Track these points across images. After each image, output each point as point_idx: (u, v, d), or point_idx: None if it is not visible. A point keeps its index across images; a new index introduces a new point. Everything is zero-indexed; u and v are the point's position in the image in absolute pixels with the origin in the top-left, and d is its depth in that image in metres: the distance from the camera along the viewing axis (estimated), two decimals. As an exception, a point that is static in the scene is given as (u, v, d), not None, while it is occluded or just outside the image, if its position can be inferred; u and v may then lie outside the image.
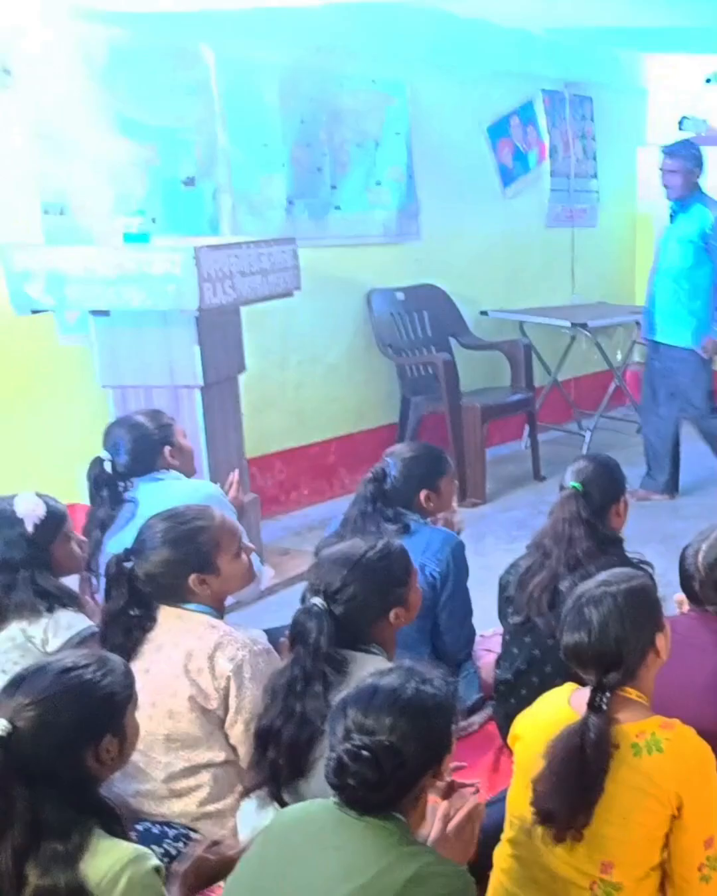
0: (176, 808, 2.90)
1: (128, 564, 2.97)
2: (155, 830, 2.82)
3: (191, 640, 2.90)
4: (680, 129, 8.38)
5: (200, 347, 4.74)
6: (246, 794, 2.65)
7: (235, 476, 4.29)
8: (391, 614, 2.77)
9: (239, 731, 2.86)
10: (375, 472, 3.70)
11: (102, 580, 3.20)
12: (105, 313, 4.68)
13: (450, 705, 2.21)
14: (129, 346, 4.74)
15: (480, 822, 2.35)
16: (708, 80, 8.32)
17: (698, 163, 6.17)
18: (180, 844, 2.80)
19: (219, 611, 3.07)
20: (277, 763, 2.57)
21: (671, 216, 6.27)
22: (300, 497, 6.27)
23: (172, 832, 2.84)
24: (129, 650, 2.88)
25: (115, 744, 2.17)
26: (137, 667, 2.76)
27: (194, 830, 2.88)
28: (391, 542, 2.91)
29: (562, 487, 3.49)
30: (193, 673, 2.86)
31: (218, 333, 4.87)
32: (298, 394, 6.16)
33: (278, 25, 5.51)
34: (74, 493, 4.78)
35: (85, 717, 2.11)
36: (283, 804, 2.53)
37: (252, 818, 2.65)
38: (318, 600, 2.66)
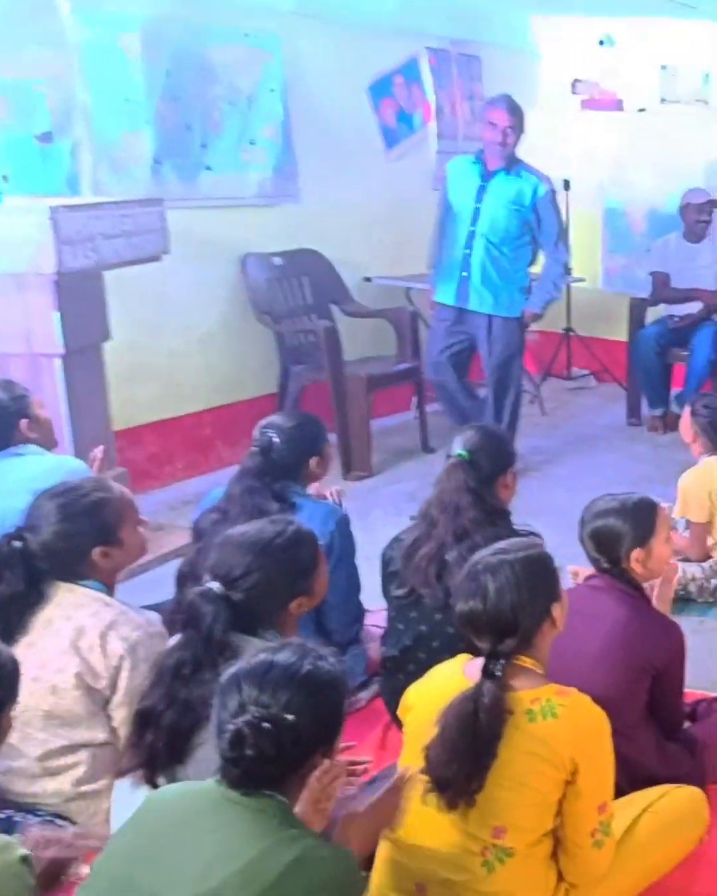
0: (50, 788, 2.85)
1: (18, 544, 2.89)
2: (16, 818, 2.74)
3: (83, 616, 2.86)
4: (572, 92, 8.23)
5: (60, 313, 4.54)
6: (120, 775, 2.58)
7: (98, 451, 4.11)
8: (293, 604, 2.75)
9: (124, 713, 2.82)
10: (260, 444, 3.63)
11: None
12: (-47, 277, 4.42)
13: (344, 683, 2.21)
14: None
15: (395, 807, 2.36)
16: (601, 43, 8.15)
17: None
18: (51, 828, 2.74)
19: (110, 588, 3.03)
20: (156, 747, 2.51)
21: (484, 176, 5.97)
22: (174, 471, 6.02)
23: (34, 820, 2.75)
24: (16, 630, 2.84)
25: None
26: (22, 641, 2.82)
27: (62, 816, 2.82)
28: (301, 528, 2.86)
29: (448, 456, 3.46)
30: (83, 650, 2.82)
31: (79, 299, 4.67)
32: (171, 363, 5.90)
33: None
34: None
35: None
36: (156, 788, 2.46)
37: (128, 800, 2.51)
38: (215, 585, 2.61)
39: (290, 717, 2.02)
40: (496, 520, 3.36)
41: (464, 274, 6.00)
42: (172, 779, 2.48)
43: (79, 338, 4.68)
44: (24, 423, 3.81)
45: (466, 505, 3.32)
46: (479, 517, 3.31)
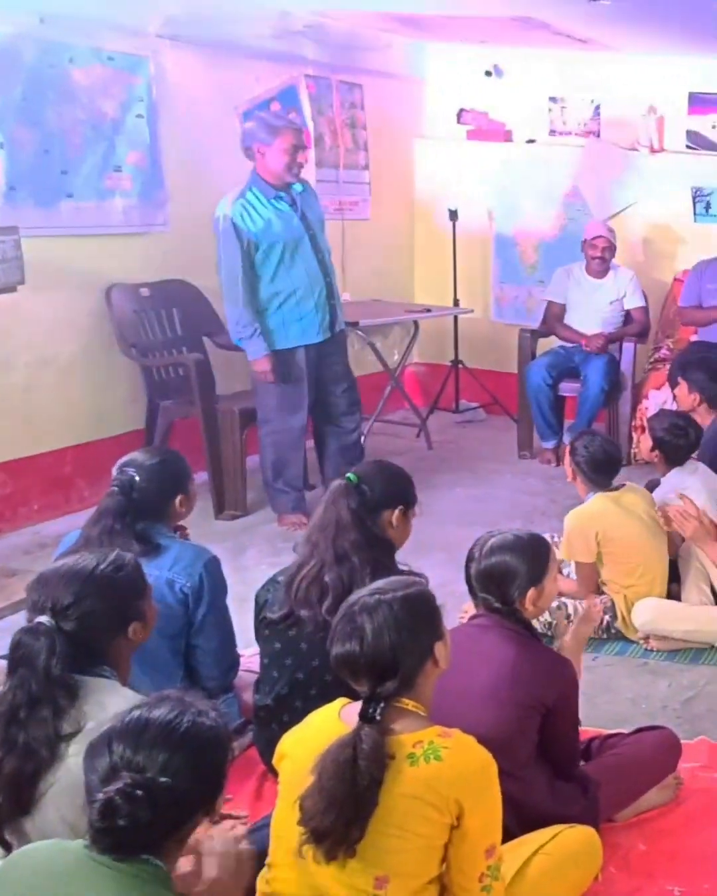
0: None
1: None
2: None
3: None
4: (458, 122, 8.13)
5: None
6: None
7: None
8: (130, 629, 2.65)
9: None
10: (120, 483, 3.45)
11: None
12: None
13: (226, 739, 2.13)
14: None
15: (242, 857, 2.39)
16: (488, 74, 8.07)
17: None
18: None
19: None
20: None
21: (293, 203, 5.61)
22: (30, 512, 5.74)
23: None
24: None
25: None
26: None
27: None
28: (122, 553, 2.77)
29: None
30: None
31: None
32: (27, 398, 5.63)
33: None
34: None
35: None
36: (5, 845, 2.36)
37: None
38: (44, 618, 2.49)
39: (168, 780, 1.92)
40: (377, 547, 3.28)
41: None
42: (20, 833, 2.37)
43: None
44: None
45: (346, 526, 3.24)
46: (359, 540, 3.23)
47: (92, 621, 2.55)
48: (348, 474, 3.35)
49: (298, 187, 5.62)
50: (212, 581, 3.51)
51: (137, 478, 3.46)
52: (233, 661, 3.67)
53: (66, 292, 5.70)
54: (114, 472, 3.54)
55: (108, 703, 2.42)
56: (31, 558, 5.26)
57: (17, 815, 2.39)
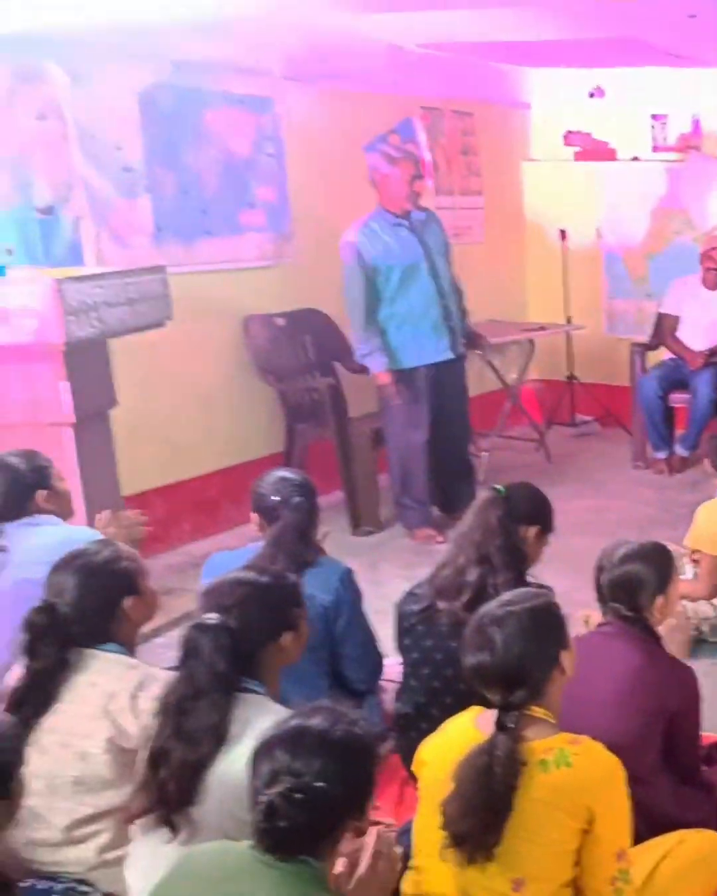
0: (71, 856, 2.82)
1: (47, 616, 2.88)
2: (41, 887, 2.73)
3: (110, 681, 2.88)
4: (564, 143, 8.33)
5: (69, 382, 4.59)
6: (133, 819, 2.57)
7: (105, 515, 4.12)
8: (283, 638, 2.77)
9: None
10: (293, 506, 3.66)
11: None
12: (-41, 350, 4.48)
13: (375, 748, 2.20)
14: (-12, 384, 4.56)
15: (393, 858, 2.33)
16: (590, 95, 8.25)
17: None
18: None
19: (131, 650, 3.05)
20: (167, 786, 2.50)
21: (410, 228, 5.93)
22: (181, 534, 6.04)
23: (59, 887, 2.75)
24: (49, 700, 2.85)
25: (5, 806, 2.15)
26: (51, 710, 2.83)
27: (85, 882, 2.79)
28: (281, 570, 2.97)
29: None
30: (114, 713, 2.83)
31: (86, 367, 4.72)
32: (173, 426, 5.93)
33: (134, 42, 5.28)
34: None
35: None
36: (174, 829, 2.47)
37: (141, 858, 2.57)
38: (213, 616, 2.63)
39: (322, 785, 2.00)
40: (516, 556, 3.42)
41: None
42: (188, 820, 2.48)
43: (86, 406, 4.71)
44: (41, 493, 3.83)
45: (492, 532, 3.39)
46: (502, 545, 3.37)
47: (251, 622, 2.68)
48: (497, 487, 3.52)
49: (419, 215, 5.89)
50: (348, 592, 3.67)
51: (298, 498, 3.67)
52: (377, 664, 3.81)
53: (206, 324, 6.00)
54: (273, 498, 3.71)
55: (257, 719, 2.51)
56: (184, 577, 5.50)
57: (184, 803, 2.50)
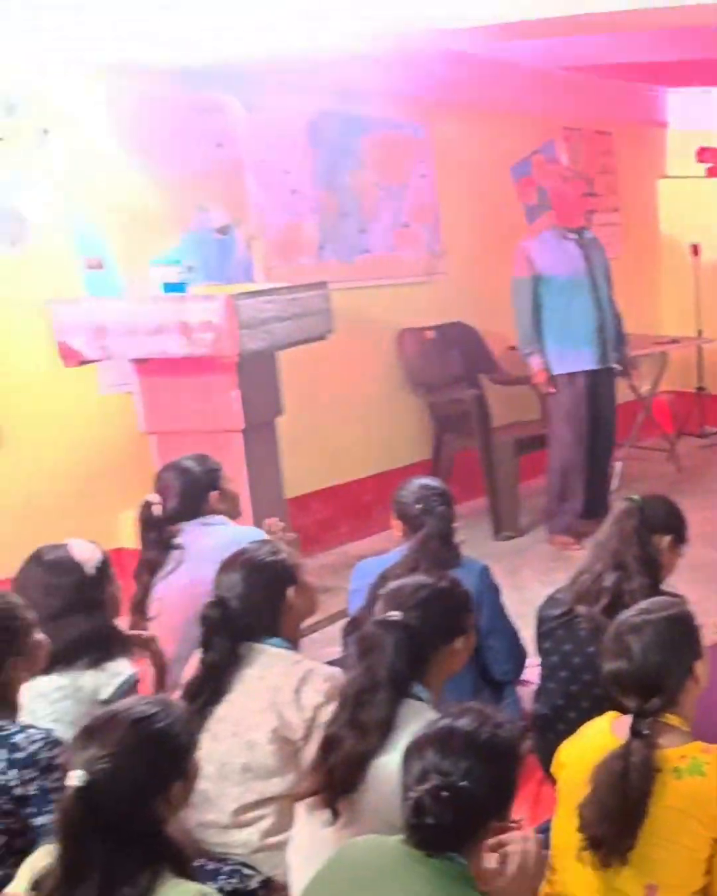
0: (238, 839, 2.98)
1: (219, 610, 3.07)
2: (209, 867, 2.88)
3: (276, 675, 3.02)
4: (698, 160, 8.49)
5: (241, 392, 4.84)
6: (301, 797, 2.69)
7: (273, 522, 4.35)
8: (456, 641, 2.86)
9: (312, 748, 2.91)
10: (436, 512, 3.83)
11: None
12: (145, 362, 4.80)
13: (519, 751, 2.26)
14: (169, 393, 4.85)
15: (540, 861, 2.33)
16: (725, 111, 8.41)
17: None
18: (235, 880, 2.87)
19: (295, 644, 3.20)
20: (335, 771, 2.62)
21: (579, 244, 6.24)
22: (338, 535, 6.36)
23: (226, 868, 2.90)
24: (221, 691, 3.02)
25: (182, 787, 2.20)
26: (223, 701, 3.00)
27: (248, 865, 2.95)
28: (454, 579, 3.03)
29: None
30: (280, 706, 2.97)
31: (256, 378, 4.96)
32: (333, 434, 6.27)
33: (301, 73, 5.63)
34: (115, 539, 4.92)
35: (155, 765, 2.13)
36: (336, 813, 2.58)
37: (303, 841, 2.72)
38: (396, 614, 2.73)
39: (467, 785, 2.07)
40: (651, 565, 3.49)
41: None
42: (350, 805, 2.59)
43: (256, 414, 4.97)
44: (213, 495, 4.06)
45: (628, 540, 3.45)
46: (637, 554, 3.43)
47: (429, 623, 2.76)
48: (633, 496, 3.61)
49: (589, 234, 6.20)
50: (488, 587, 3.79)
51: (439, 507, 3.85)
52: (521, 654, 3.88)
53: (364, 338, 6.34)
54: (416, 500, 3.89)
55: (414, 725, 2.54)
56: (341, 577, 5.73)
57: (348, 790, 2.60)
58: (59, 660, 3.13)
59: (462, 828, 2.09)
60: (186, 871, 2.13)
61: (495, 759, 2.14)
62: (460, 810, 2.06)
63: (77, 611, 3.21)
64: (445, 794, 2.05)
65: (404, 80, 6.24)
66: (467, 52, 6.27)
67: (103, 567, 3.33)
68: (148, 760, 2.11)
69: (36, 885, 2.05)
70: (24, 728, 2.59)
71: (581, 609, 3.42)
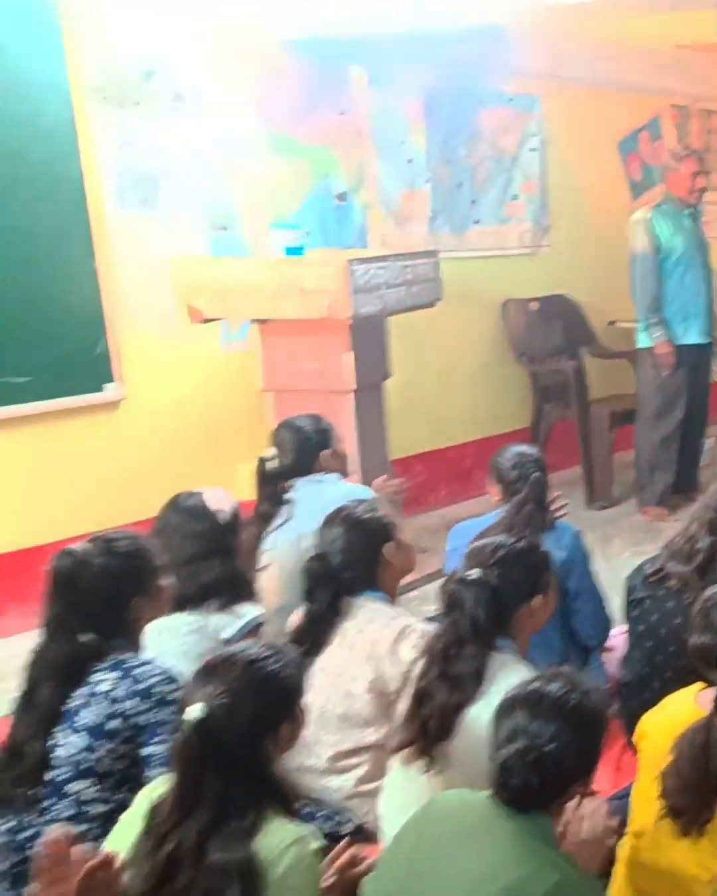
0: (333, 784, 3.09)
1: (322, 563, 3.21)
2: (306, 810, 2.91)
3: (375, 629, 3.13)
4: None
5: (353, 354, 4.96)
6: (398, 749, 2.77)
7: (381, 480, 4.48)
8: (534, 599, 2.93)
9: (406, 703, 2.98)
10: (535, 479, 3.91)
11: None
12: (265, 322, 4.96)
13: (605, 719, 2.32)
14: (286, 353, 5.00)
15: (609, 826, 2.42)
16: None
17: None
18: (330, 824, 2.98)
19: (392, 599, 3.32)
20: (428, 722, 2.70)
21: (692, 217, 6.34)
22: (438, 498, 6.51)
23: (321, 812, 3.01)
24: (322, 642, 3.14)
25: (290, 729, 2.27)
26: (324, 651, 3.11)
27: (342, 811, 3.06)
28: (534, 539, 3.13)
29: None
30: (377, 658, 3.08)
31: (367, 341, 5.08)
32: (438, 399, 6.42)
33: (421, 47, 5.72)
34: (232, 490, 5.10)
35: (268, 705, 2.21)
36: (431, 761, 2.67)
37: (395, 791, 2.81)
38: (476, 572, 2.82)
39: (555, 748, 2.12)
40: None
41: None
42: (442, 754, 2.66)
43: (366, 376, 5.10)
44: (325, 453, 4.19)
45: None
46: None
47: (508, 581, 2.84)
48: None
49: (700, 210, 6.29)
50: (580, 551, 3.85)
51: (536, 473, 3.93)
52: (607, 620, 3.90)
53: (470, 307, 6.47)
54: (514, 466, 3.99)
55: (503, 676, 2.67)
56: (437, 538, 5.87)
57: (441, 739, 2.67)
58: (192, 600, 3.29)
59: (547, 790, 2.15)
60: (290, 809, 2.22)
61: (582, 726, 2.19)
62: (545, 773, 2.12)
63: (211, 556, 3.35)
64: (532, 756, 2.12)
65: (522, 55, 6.35)
66: (584, 28, 6.37)
67: (235, 515, 3.49)
68: (261, 699, 2.19)
69: (152, 812, 2.15)
70: (144, 662, 2.70)
71: (673, 567, 3.43)
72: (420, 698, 2.75)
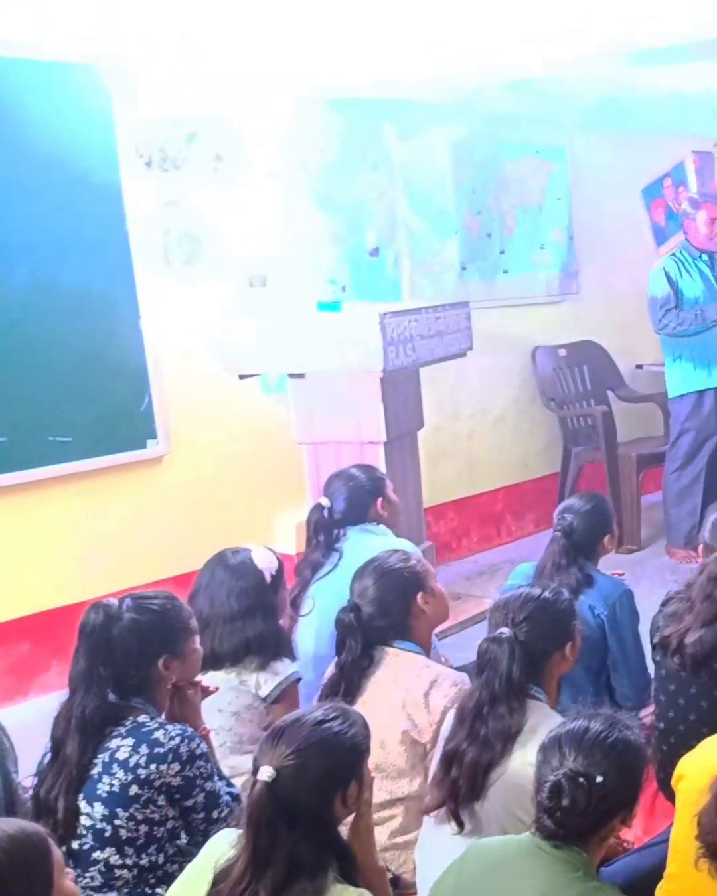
0: None
1: (355, 614, 3.24)
2: None
3: (408, 678, 3.17)
4: None
5: (384, 405, 5.00)
6: (428, 811, 2.81)
7: None
8: (565, 648, 2.97)
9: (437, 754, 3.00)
10: (563, 528, 3.94)
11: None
12: (301, 376, 5.02)
13: (645, 754, 2.40)
14: (321, 406, 5.04)
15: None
16: None
17: None
18: None
19: (426, 649, 3.36)
20: (458, 783, 2.72)
21: (709, 263, 6.32)
22: (470, 543, 6.58)
23: None
24: (355, 691, 3.17)
25: (357, 789, 2.31)
26: (357, 701, 3.12)
27: None
28: (561, 588, 3.16)
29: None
30: (409, 707, 3.12)
31: (399, 392, 5.12)
32: (469, 446, 6.51)
33: (450, 100, 5.86)
34: (270, 540, 5.17)
35: (335, 765, 2.26)
36: (460, 823, 2.70)
37: (430, 845, 2.84)
38: (506, 630, 2.85)
39: (600, 776, 2.21)
40: None
41: None
42: (471, 814, 2.70)
43: (398, 427, 5.12)
44: (378, 502, 4.28)
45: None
46: None
47: (539, 634, 2.88)
48: None
49: None
50: (626, 611, 3.83)
51: (577, 523, 3.95)
52: (645, 684, 3.84)
53: (500, 354, 6.57)
54: (555, 518, 4.04)
55: (541, 727, 2.68)
56: (471, 584, 5.98)
57: (471, 800, 2.70)
58: (232, 656, 3.36)
59: (589, 820, 2.22)
60: (351, 871, 2.24)
61: (624, 758, 2.28)
62: (591, 798, 2.20)
63: (253, 613, 3.41)
64: (581, 779, 2.21)
65: (549, 105, 6.44)
66: (611, 77, 6.44)
67: (278, 574, 3.54)
68: (327, 760, 2.24)
69: (221, 874, 2.19)
70: (161, 725, 2.72)
71: (661, 659, 3.42)
72: (449, 760, 2.78)
